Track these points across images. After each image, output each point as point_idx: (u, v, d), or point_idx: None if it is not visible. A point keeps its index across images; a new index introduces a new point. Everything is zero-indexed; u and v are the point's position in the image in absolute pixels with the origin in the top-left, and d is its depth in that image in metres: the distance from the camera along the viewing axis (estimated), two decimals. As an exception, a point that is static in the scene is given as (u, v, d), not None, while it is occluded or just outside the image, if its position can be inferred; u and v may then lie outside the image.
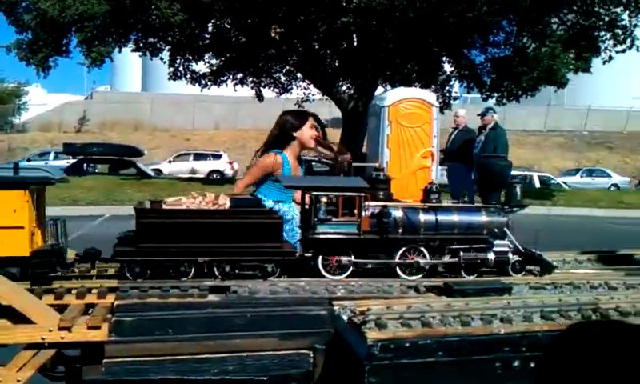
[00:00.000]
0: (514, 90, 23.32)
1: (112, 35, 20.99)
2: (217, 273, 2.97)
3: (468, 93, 31.83)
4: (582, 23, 20.92)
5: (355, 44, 21.46)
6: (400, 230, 3.06)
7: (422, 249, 3.03)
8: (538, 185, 29.13)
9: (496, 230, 3.05)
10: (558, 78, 23.76)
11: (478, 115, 13.76)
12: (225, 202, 3.03)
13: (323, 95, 24.06)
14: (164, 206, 3.01)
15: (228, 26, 21.34)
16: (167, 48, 22.13)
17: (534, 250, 3.07)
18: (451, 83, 24.46)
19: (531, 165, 35.04)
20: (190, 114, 44.22)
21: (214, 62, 23.28)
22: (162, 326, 2.61)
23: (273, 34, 20.75)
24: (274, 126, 4.73)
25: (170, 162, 33.39)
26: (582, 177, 33.47)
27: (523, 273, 2.98)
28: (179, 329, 2.61)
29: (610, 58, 21.74)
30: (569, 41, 21.62)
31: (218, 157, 34.11)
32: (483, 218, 3.13)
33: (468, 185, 10.72)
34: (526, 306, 2.31)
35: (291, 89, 24.96)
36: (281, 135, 4.63)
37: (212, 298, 2.77)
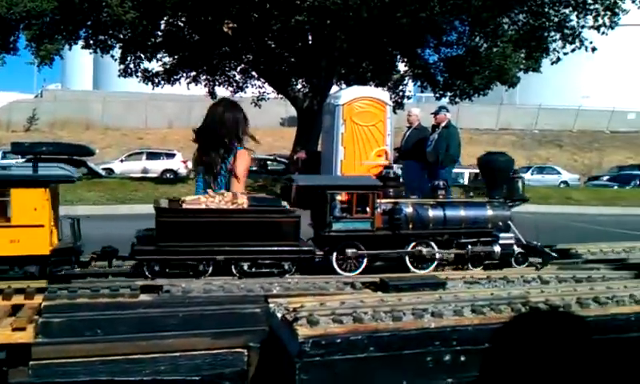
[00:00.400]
0: (466, 89, 23.64)
1: (61, 32, 20.50)
2: (234, 271, 2.98)
3: (422, 92, 32.15)
4: (531, 23, 21.28)
5: (310, 43, 21.45)
6: (410, 226, 3.16)
7: (431, 242, 3.12)
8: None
9: (500, 224, 3.12)
10: (509, 77, 24.17)
11: (432, 114, 13.89)
12: (243, 202, 3.02)
13: (278, 94, 23.98)
14: (184, 205, 3.00)
15: (181, 24, 21.08)
16: (118, 45, 21.74)
17: (535, 243, 3.14)
18: (405, 82, 24.65)
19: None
20: (143, 113, 43.59)
21: (167, 60, 22.97)
22: (91, 326, 2.54)
23: (226, 29, 20.55)
24: (230, 122, 4.53)
25: (121, 161, 32.80)
26: (532, 174, 34.07)
27: (526, 264, 3.04)
28: (110, 329, 2.54)
29: (558, 58, 22.19)
30: (519, 41, 22.00)
31: (172, 156, 33.67)
32: (489, 212, 3.25)
33: (423, 182, 10.82)
34: (457, 301, 2.31)
35: (246, 87, 24.80)
36: (237, 131, 4.48)
37: (144, 297, 2.70)
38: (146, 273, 2.94)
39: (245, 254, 2.96)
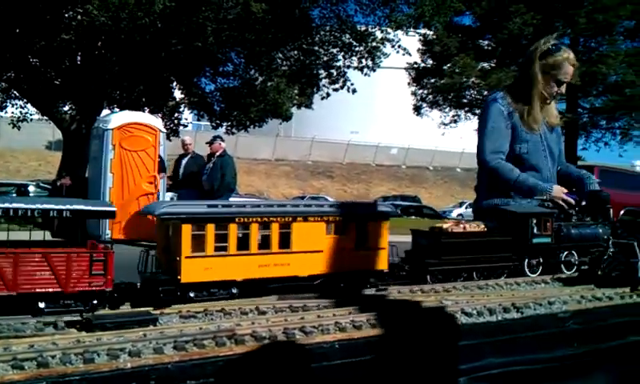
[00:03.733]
0: (242, 120, 24.08)
1: None
2: (475, 276, 3.69)
3: (198, 120, 32.12)
4: (302, 60, 22.32)
5: (79, 63, 20.37)
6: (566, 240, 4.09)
7: (574, 252, 4.07)
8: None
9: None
10: (283, 111, 25.10)
11: (207, 143, 13.90)
12: (482, 226, 3.90)
13: (43, 115, 22.37)
14: (450, 229, 3.74)
15: None
16: None
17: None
18: (181, 109, 24.43)
19: (261, 192, 36.48)
20: None
21: None
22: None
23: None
24: None
25: None
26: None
27: None
28: None
29: (328, 94, 23.53)
30: (292, 76, 22.96)
31: None
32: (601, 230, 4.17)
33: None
34: (161, 337, 2.23)
35: (6, 107, 22.80)
36: None
37: None
38: (429, 280, 3.56)
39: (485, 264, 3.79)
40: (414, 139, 48.30)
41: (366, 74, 22.16)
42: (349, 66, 22.74)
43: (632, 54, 25.11)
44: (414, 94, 30.13)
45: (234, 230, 2.93)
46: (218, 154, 13.12)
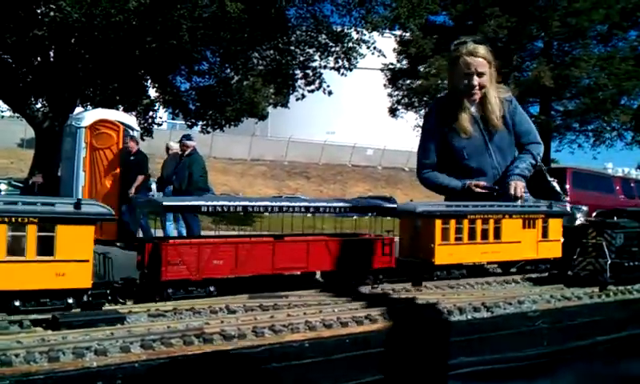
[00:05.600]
0: (218, 119, 23.99)
1: None
2: None
3: (173, 119, 31.92)
4: (278, 60, 22.27)
5: (52, 60, 20.10)
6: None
7: None
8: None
9: None
10: (259, 110, 25.09)
11: (177, 142, 13.84)
12: None
13: (14, 112, 22.04)
14: None
15: None
16: None
17: None
18: (155, 108, 24.24)
19: (237, 192, 36.27)
20: None
21: None
22: None
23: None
24: None
25: None
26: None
27: None
28: None
29: (303, 95, 23.50)
30: (267, 76, 22.91)
31: None
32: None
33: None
34: (128, 336, 2.20)
35: (-26, 103, 22.49)
36: None
37: None
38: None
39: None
40: (389, 140, 48.43)
41: (342, 75, 22.19)
42: (325, 67, 22.73)
43: (604, 58, 25.52)
44: (389, 96, 30.25)
45: (466, 225, 3.60)
46: (186, 153, 13.07)
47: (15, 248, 2.33)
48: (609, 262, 3.62)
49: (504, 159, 4.61)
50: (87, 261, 2.48)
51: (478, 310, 3.02)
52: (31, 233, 2.35)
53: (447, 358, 2.89)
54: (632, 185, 22.34)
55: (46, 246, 2.38)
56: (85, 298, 2.51)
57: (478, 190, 4.41)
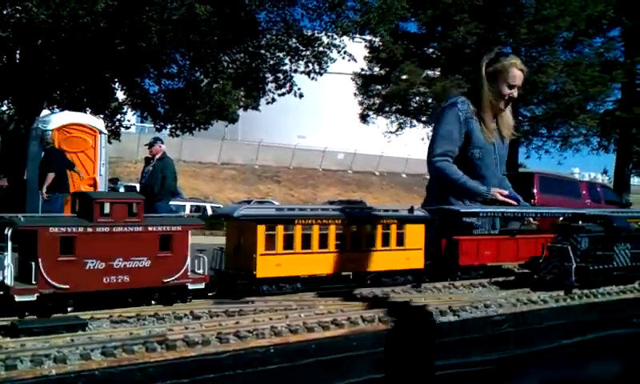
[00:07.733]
0: (187, 122, 23.79)
1: None
2: None
3: (142, 122, 31.56)
4: (249, 63, 22.15)
5: (17, 61, 19.73)
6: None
7: None
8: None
9: None
10: (229, 113, 24.93)
11: (146, 145, 13.63)
12: None
13: (-22, 114, 21.60)
14: None
15: None
16: None
17: None
18: (124, 111, 23.95)
19: (207, 196, 36.02)
20: None
21: None
22: None
23: None
24: None
25: None
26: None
27: None
28: None
29: (273, 99, 23.41)
30: (238, 79, 22.77)
31: None
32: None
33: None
34: (89, 343, 2.15)
35: (-63, 105, 21.95)
36: None
37: None
38: None
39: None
40: (360, 145, 48.55)
41: (313, 79, 22.15)
42: (295, 71, 22.67)
43: (571, 64, 25.93)
44: (361, 103, 30.33)
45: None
46: (157, 156, 12.86)
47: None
48: (574, 266, 3.65)
49: (501, 169, 4.86)
50: (420, 249, 3.68)
51: (445, 313, 3.02)
52: (393, 230, 3.56)
53: (419, 362, 2.88)
54: (598, 189, 22.76)
55: (400, 239, 3.59)
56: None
57: (502, 198, 4.53)
